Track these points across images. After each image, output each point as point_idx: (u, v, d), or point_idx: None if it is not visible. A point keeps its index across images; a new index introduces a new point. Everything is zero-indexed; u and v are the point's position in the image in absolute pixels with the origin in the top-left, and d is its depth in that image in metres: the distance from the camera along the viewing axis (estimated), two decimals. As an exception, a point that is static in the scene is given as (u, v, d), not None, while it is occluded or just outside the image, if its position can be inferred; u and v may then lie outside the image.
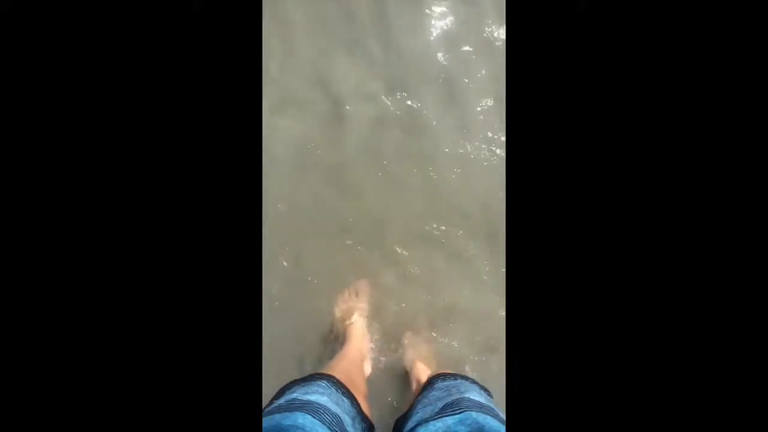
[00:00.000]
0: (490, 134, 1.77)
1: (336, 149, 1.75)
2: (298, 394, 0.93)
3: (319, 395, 0.93)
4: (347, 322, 1.62)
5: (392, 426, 1.08)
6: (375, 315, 1.68)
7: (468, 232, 1.72)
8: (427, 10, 1.82)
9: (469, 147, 1.76)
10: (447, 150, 1.75)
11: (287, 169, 1.74)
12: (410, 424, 0.95)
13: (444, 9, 1.83)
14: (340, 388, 1.04)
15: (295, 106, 1.78)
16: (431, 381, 1.14)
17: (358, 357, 1.48)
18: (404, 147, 1.75)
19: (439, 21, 1.82)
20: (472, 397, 0.94)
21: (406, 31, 1.81)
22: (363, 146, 1.75)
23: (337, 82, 1.78)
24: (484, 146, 1.76)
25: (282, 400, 0.91)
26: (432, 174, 1.74)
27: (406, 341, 1.65)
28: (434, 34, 1.81)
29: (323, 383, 1.02)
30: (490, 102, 1.78)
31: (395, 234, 1.71)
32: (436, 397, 1.01)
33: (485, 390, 1.08)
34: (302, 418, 0.79)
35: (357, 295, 1.69)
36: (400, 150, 1.75)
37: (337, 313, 1.67)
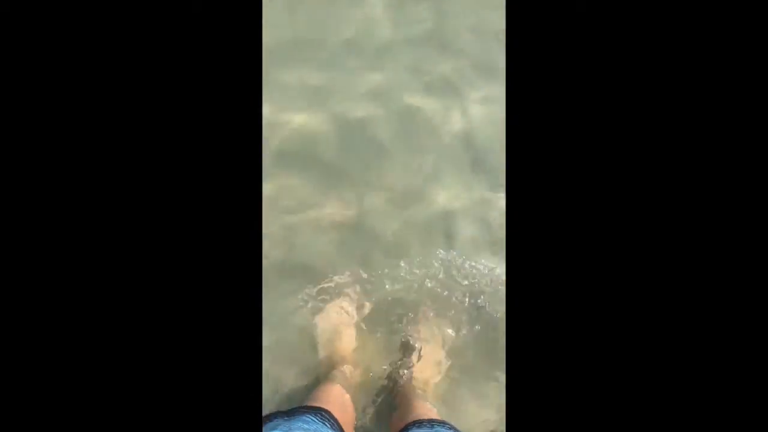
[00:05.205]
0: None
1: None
2: (282, 430, 0.86)
3: None
4: (341, 345, 1.38)
5: None
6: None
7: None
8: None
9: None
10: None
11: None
12: None
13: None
14: (327, 421, 0.97)
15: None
16: (406, 428, 1.05)
17: (347, 383, 1.31)
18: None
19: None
20: None
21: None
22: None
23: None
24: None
25: None
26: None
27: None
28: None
29: (309, 417, 0.94)
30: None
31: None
32: None
33: None
34: None
35: (356, 304, 1.46)
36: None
37: (326, 324, 1.42)
